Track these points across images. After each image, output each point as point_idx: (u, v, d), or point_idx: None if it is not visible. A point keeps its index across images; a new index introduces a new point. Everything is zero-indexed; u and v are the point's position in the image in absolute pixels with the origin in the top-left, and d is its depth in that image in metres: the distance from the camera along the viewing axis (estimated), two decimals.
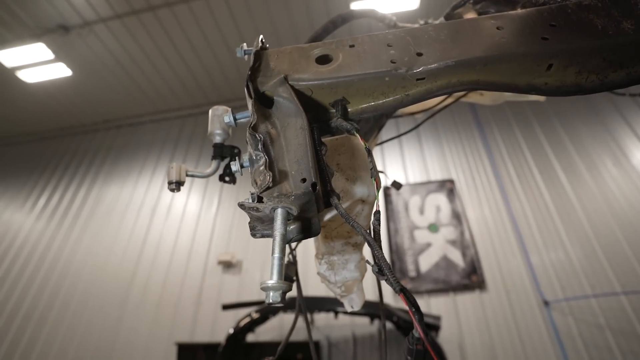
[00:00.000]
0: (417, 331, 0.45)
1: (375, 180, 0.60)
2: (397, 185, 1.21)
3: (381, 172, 1.29)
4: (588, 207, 4.35)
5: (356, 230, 0.54)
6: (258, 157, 0.57)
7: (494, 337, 3.73)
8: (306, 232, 0.58)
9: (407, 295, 0.46)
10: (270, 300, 0.48)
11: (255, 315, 3.46)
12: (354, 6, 4.97)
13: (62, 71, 5.88)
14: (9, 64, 5.65)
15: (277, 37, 5.40)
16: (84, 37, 5.37)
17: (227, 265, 4.67)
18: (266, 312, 3.49)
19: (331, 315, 3.67)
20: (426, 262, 4.27)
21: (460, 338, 3.80)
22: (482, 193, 4.82)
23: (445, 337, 3.75)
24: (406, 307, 0.47)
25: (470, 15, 0.95)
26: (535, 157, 5.01)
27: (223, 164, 0.93)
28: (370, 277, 1.00)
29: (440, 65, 0.64)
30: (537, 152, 5.06)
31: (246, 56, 0.79)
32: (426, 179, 5.05)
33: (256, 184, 0.55)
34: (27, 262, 5.35)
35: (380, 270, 0.49)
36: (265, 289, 0.49)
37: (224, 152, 0.91)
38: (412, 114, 1.37)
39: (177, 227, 5.25)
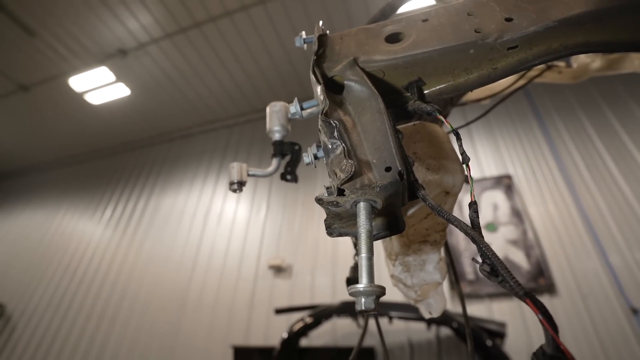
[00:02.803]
0: (552, 346, 0.36)
1: (467, 166, 0.52)
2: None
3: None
4: None
5: (454, 225, 0.46)
6: (335, 146, 0.51)
7: (571, 348, 3.32)
8: (391, 228, 0.51)
9: (535, 301, 0.37)
10: (363, 307, 0.42)
11: (309, 320, 3.43)
12: None
13: (122, 91, 6.41)
14: (78, 89, 6.27)
15: None
16: (140, 58, 5.80)
17: (278, 270, 4.72)
18: (319, 316, 3.45)
19: (385, 320, 3.54)
20: None
21: (529, 347, 3.46)
22: (545, 188, 4.40)
23: (513, 347, 3.44)
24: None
25: None
26: (606, 144, 4.47)
27: (284, 162, 0.90)
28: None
29: (538, 28, 0.54)
30: (609, 137, 4.51)
31: (305, 45, 0.75)
32: (480, 176, 4.72)
33: (335, 175, 0.49)
34: (99, 267, 5.85)
35: (494, 271, 0.41)
36: (355, 294, 0.42)
37: (284, 149, 0.87)
38: (478, 100, 1.24)
39: (228, 233, 5.43)
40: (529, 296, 0.37)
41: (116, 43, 5.58)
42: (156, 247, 5.76)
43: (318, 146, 0.60)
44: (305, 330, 3.42)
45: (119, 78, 6.15)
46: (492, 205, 4.41)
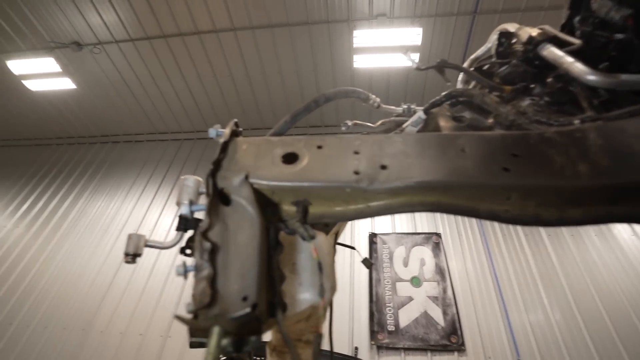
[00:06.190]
0: None
1: (322, 299, 0.59)
2: (367, 263, 1.19)
3: (352, 247, 1.27)
4: (570, 274, 4.34)
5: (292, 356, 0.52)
6: (203, 267, 0.55)
7: None
8: (238, 348, 0.56)
9: None
10: None
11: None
12: (356, 43, 5.12)
13: (66, 84, 5.98)
14: (17, 71, 5.75)
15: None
16: (95, 55, 5.51)
17: None
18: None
19: None
20: (406, 317, 4.15)
21: None
22: (467, 249, 4.81)
23: None
24: None
25: (443, 119, 0.99)
26: None
27: (186, 236, 0.91)
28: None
29: (401, 184, 0.65)
30: None
31: (218, 137, 0.80)
32: (413, 230, 5.03)
33: (195, 299, 0.53)
34: None
35: None
36: None
37: (188, 225, 0.89)
38: None
39: (156, 252, 5.11)
40: None
41: (72, 34, 5.27)
42: (73, 255, 5.23)
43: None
44: None
45: (66, 72, 5.76)
46: (420, 260, 4.68)
